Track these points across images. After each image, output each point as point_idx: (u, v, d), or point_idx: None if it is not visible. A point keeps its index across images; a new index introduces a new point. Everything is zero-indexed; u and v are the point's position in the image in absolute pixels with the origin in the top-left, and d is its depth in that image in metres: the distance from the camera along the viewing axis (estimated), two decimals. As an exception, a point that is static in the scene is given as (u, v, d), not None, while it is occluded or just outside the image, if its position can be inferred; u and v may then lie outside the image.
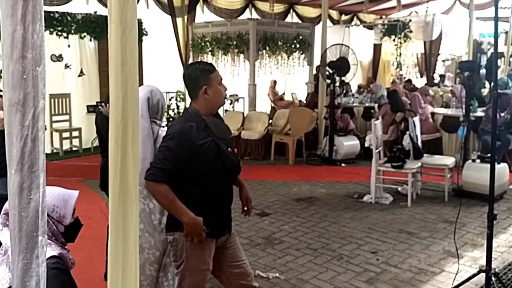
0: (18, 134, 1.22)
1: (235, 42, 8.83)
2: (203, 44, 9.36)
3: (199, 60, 9.61)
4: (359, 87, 11.62)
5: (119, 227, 1.78)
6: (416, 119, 6.13)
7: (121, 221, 1.78)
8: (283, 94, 11.51)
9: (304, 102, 9.54)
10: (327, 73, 7.60)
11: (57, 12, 7.87)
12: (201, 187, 2.42)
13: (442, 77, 13.49)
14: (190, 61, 9.77)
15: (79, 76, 8.56)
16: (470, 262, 3.95)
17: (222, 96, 2.53)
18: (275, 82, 11.13)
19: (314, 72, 9.54)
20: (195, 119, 2.43)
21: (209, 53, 9.30)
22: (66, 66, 8.30)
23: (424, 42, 13.07)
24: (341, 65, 7.45)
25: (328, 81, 7.66)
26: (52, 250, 1.79)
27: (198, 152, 2.37)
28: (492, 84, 3.18)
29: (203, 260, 2.47)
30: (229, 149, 2.51)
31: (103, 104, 4.08)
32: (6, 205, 1.90)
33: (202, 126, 2.42)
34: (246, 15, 11.10)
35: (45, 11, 1.17)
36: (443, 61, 14.88)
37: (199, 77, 2.46)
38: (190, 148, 2.36)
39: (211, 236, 2.45)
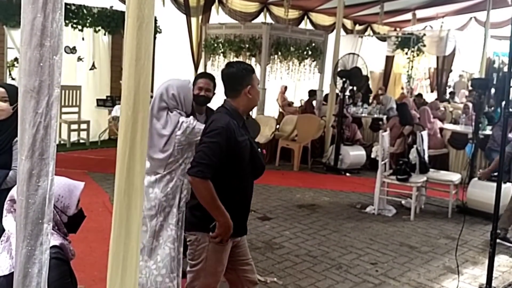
0: (31, 120, 1.23)
1: (247, 45, 8.85)
2: (215, 45, 9.39)
3: (210, 60, 9.67)
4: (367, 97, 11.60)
5: (122, 219, 1.79)
6: (424, 133, 6.11)
7: (125, 213, 1.79)
8: (292, 103, 11.53)
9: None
10: (340, 82, 7.61)
11: (73, 4, 7.95)
12: (229, 185, 2.41)
13: (452, 94, 13.43)
14: (202, 61, 9.81)
15: (90, 69, 8.62)
16: (470, 279, 3.92)
17: (259, 97, 2.60)
18: (285, 87, 11.14)
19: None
20: (235, 116, 2.45)
21: (221, 54, 9.34)
22: (79, 59, 8.36)
23: (437, 57, 13.04)
24: (355, 75, 7.45)
25: (338, 90, 7.66)
26: (54, 239, 1.80)
27: (237, 150, 2.38)
28: (504, 103, 3.17)
29: (220, 261, 2.48)
30: (258, 149, 2.55)
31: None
32: (12, 192, 1.91)
33: (241, 124, 2.46)
34: (260, 19, 11.13)
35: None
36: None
37: (244, 76, 2.49)
38: (234, 144, 2.37)
39: (232, 237, 2.45)
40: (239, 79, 2.48)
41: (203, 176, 2.32)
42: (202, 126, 2.74)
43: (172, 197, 2.92)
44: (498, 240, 4.62)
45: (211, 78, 3.43)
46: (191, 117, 2.96)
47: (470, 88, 12.76)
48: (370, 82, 13.36)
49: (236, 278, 2.62)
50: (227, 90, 2.55)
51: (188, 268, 2.56)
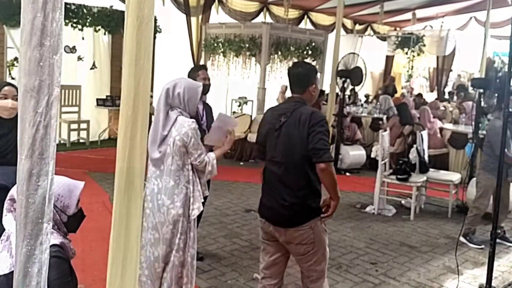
0: (31, 120, 1.23)
1: (247, 45, 8.85)
2: (215, 44, 9.39)
3: (210, 60, 9.66)
4: (366, 96, 11.60)
5: (122, 218, 1.79)
6: (424, 133, 6.11)
7: (125, 213, 1.79)
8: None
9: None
10: (340, 82, 7.61)
11: (73, 4, 7.95)
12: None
13: (451, 94, 13.44)
14: (202, 61, 9.81)
15: (91, 69, 8.62)
16: (470, 279, 3.92)
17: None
18: (286, 87, 11.14)
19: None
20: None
21: (221, 54, 9.34)
22: (79, 58, 8.36)
23: (437, 57, 13.04)
24: (355, 75, 7.45)
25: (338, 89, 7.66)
26: (54, 238, 1.80)
27: None
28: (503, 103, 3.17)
29: (325, 239, 2.80)
30: None
31: None
32: (12, 191, 1.92)
33: None
34: (260, 18, 11.13)
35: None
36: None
37: (310, 76, 2.86)
38: None
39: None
40: (308, 77, 2.83)
41: (331, 159, 2.65)
42: (197, 132, 2.80)
43: (180, 205, 2.82)
44: (498, 240, 4.68)
45: (207, 69, 4.15)
46: (191, 119, 2.88)
47: (455, 89, 12.79)
48: (370, 81, 13.40)
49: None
50: (295, 87, 2.87)
51: (307, 264, 2.73)
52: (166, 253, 2.84)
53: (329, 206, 2.68)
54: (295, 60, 9.25)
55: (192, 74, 3.82)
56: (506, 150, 4.45)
